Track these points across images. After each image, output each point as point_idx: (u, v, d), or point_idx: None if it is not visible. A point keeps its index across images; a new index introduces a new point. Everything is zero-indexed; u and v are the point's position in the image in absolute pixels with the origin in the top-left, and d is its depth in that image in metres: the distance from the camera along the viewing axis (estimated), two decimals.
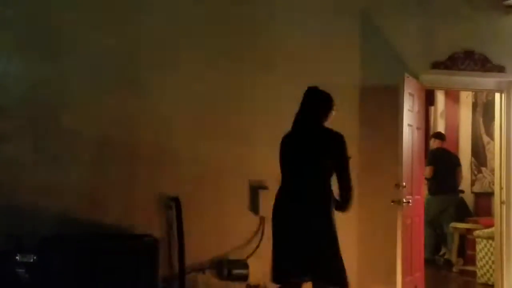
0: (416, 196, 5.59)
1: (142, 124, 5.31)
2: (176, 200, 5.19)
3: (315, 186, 3.82)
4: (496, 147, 6.17)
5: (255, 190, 5.43)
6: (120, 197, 5.18)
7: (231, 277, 5.27)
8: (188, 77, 5.39)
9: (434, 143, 8.00)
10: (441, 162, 7.78)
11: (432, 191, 7.76)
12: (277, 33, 5.55)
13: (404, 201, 5.17)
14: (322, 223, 3.78)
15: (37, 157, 5.10)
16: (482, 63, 5.85)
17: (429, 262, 7.33)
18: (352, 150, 5.48)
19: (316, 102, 3.97)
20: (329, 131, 3.94)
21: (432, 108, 8.98)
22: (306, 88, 5.52)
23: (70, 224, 4.94)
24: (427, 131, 8.15)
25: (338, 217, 5.28)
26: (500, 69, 5.90)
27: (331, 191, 3.89)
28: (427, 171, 7.62)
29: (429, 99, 8.23)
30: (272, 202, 5.33)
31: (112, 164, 5.24)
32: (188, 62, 5.40)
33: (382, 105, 5.54)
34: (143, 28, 5.34)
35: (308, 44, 5.57)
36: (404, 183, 5.18)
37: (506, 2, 5.78)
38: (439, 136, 8.09)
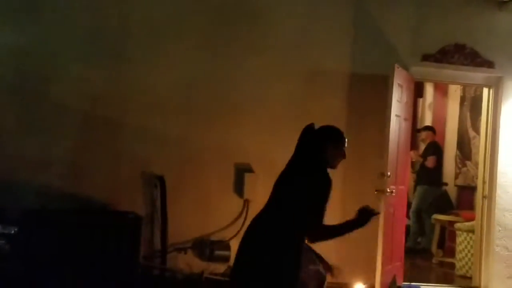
0: (400, 186, 5.63)
1: (130, 102, 5.30)
2: (161, 179, 5.20)
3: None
4: (482, 141, 6.22)
5: (241, 172, 5.44)
6: (105, 173, 5.18)
7: (213, 258, 5.30)
8: (177, 58, 5.38)
9: (427, 136, 8.06)
10: (440, 154, 7.88)
11: (433, 181, 7.83)
12: (268, 18, 5.54)
13: (388, 190, 5.20)
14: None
15: (22, 130, 5.07)
16: (472, 58, 5.87)
17: (411, 251, 7.43)
18: None
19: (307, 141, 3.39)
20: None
21: (421, 100, 9.02)
22: (295, 75, 5.57)
23: (54, 198, 4.94)
24: (414, 123, 8.21)
25: None
26: (490, 64, 5.92)
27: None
28: (430, 161, 7.71)
29: (418, 91, 8.27)
30: (257, 185, 5.39)
31: (98, 140, 5.23)
32: (178, 43, 5.38)
33: (370, 94, 5.55)
34: (135, 7, 5.32)
35: (300, 30, 5.56)
36: (389, 173, 5.21)
37: None
38: (432, 129, 8.16)
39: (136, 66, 5.30)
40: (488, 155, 6.05)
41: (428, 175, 7.83)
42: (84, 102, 5.22)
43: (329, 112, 5.58)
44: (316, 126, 3.42)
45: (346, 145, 3.39)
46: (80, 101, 5.21)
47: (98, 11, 5.23)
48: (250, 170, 5.42)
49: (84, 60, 5.20)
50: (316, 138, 3.36)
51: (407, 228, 7.25)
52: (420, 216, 7.92)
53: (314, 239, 3.26)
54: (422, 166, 7.90)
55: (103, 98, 5.24)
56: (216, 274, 5.20)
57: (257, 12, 5.53)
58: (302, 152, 3.38)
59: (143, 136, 5.29)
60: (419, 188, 7.96)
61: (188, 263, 5.27)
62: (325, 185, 3.23)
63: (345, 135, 3.42)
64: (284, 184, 3.38)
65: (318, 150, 3.32)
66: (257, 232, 3.28)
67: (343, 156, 3.38)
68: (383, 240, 5.17)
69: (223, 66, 5.44)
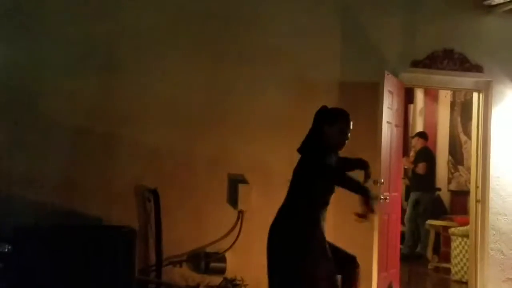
0: (393, 193, 5.64)
1: (122, 115, 5.28)
2: (154, 192, 5.18)
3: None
4: (473, 146, 6.25)
5: (235, 183, 5.43)
6: (98, 188, 5.15)
7: (208, 271, 5.27)
8: (168, 69, 5.37)
9: (418, 142, 8.09)
10: (431, 160, 7.91)
11: (425, 187, 7.85)
12: (259, 28, 5.55)
13: (382, 197, 5.21)
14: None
15: (13, 145, 5.04)
16: (461, 63, 5.91)
17: (407, 258, 7.44)
18: None
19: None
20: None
21: (411, 106, 9.07)
22: (286, 83, 5.58)
23: (47, 214, 4.91)
24: (406, 129, 8.25)
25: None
26: (479, 69, 5.96)
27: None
28: (421, 167, 7.74)
29: (408, 97, 8.32)
30: (251, 196, 5.37)
31: (90, 155, 5.20)
32: (169, 54, 5.38)
33: (361, 101, 5.55)
34: (125, 18, 5.31)
35: (290, 38, 5.57)
36: (382, 180, 5.22)
37: (486, 2, 5.82)
38: (423, 135, 8.20)
39: (127, 78, 5.30)
40: (480, 160, 6.07)
41: (420, 181, 7.86)
42: (76, 116, 5.20)
43: None
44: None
45: (347, 125, 3.54)
46: (71, 115, 5.19)
47: (88, 23, 5.23)
48: (243, 181, 5.40)
49: (74, 73, 5.18)
50: (316, 119, 3.59)
51: (402, 234, 7.27)
52: (415, 222, 7.93)
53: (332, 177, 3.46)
54: (414, 172, 7.93)
55: (94, 112, 5.22)
56: (212, 287, 5.18)
57: (248, 22, 5.55)
58: (307, 135, 3.61)
59: (136, 149, 5.27)
60: (412, 194, 7.98)
61: (184, 276, 5.24)
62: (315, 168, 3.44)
63: (346, 115, 3.56)
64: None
65: (316, 131, 3.55)
66: (280, 210, 3.69)
67: (341, 136, 3.52)
68: (379, 247, 5.17)
69: (215, 77, 5.45)
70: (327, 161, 3.48)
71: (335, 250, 3.62)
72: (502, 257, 5.93)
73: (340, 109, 3.68)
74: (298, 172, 3.58)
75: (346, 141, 3.58)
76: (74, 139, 5.21)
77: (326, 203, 3.62)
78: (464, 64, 5.92)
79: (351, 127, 3.61)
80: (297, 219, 3.55)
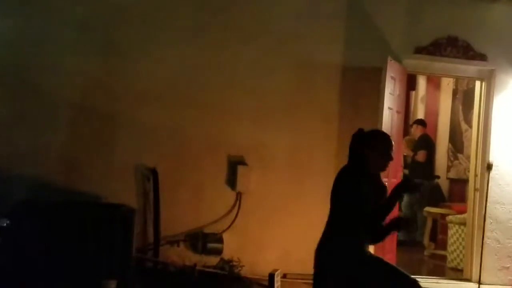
0: (392, 179, 5.63)
1: (122, 94, 5.28)
2: (153, 171, 5.18)
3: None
4: (473, 134, 6.24)
5: (234, 165, 5.44)
6: (97, 166, 5.16)
7: (206, 251, 5.30)
8: (169, 49, 5.35)
9: (417, 129, 8.07)
10: (431, 148, 7.90)
11: (424, 175, 7.85)
12: (261, 11, 5.52)
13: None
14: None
15: (13, 122, 5.04)
16: (465, 51, 5.87)
17: (404, 244, 7.46)
18: (331, 129, 5.57)
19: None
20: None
21: (413, 92, 9.04)
22: (288, 67, 5.56)
23: (46, 190, 4.92)
24: (407, 115, 8.23)
25: (312, 198, 5.35)
26: (482, 57, 5.93)
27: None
28: (421, 155, 7.73)
29: (410, 84, 8.28)
30: (250, 178, 5.38)
31: (90, 132, 5.21)
32: (170, 34, 5.37)
33: (363, 86, 5.55)
34: None
35: (294, 22, 5.55)
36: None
37: None
38: (422, 122, 8.17)
39: (128, 58, 5.28)
40: (480, 148, 6.06)
41: (419, 169, 7.86)
42: (76, 94, 5.20)
43: (322, 104, 5.59)
44: (366, 130, 3.48)
45: (390, 148, 3.39)
46: (72, 93, 5.19)
47: (89, 2, 5.19)
48: (243, 162, 5.41)
49: (75, 52, 5.18)
50: (358, 144, 3.42)
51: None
52: (412, 209, 7.94)
53: (369, 232, 3.38)
54: (414, 160, 7.92)
55: (95, 90, 5.21)
56: (209, 267, 5.20)
57: (251, 4, 5.51)
58: (348, 158, 3.46)
59: (136, 128, 5.27)
60: None
61: (181, 255, 5.26)
62: (352, 188, 3.32)
63: (388, 138, 3.44)
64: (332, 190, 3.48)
65: (359, 156, 3.40)
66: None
67: (385, 159, 3.41)
68: None
69: (217, 58, 5.43)
70: (363, 189, 3.33)
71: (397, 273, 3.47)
72: (498, 245, 5.95)
73: (380, 132, 3.64)
74: (336, 194, 3.45)
75: (389, 163, 3.47)
76: (74, 117, 5.21)
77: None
78: (468, 52, 5.88)
79: (393, 149, 3.47)
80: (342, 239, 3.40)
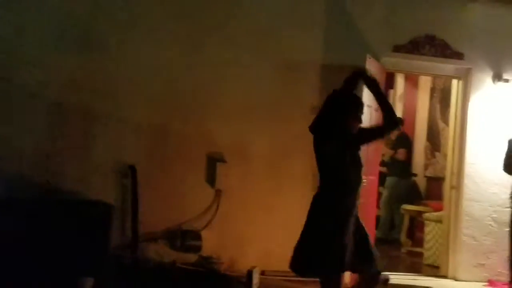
0: (370, 177, 5.67)
1: (101, 90, 5.23)
2: (132, 168, 5.15)
3: None
4: (450, 133, 6.32)
5: (213, 162, 5.43)
6: (76, 162, 5.12)
7: (184, 248, 5.29)
8: (149, 46, 5.32)
9: None
10: (409, 146, 7.98)
11: (402, 173, 7.91)
12: (242, 8, 5.52)
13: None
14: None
15: None
16: (442, 49, 5.93)
17: (382, 241, 7.53)
18: None
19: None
20: None
21: (392, 91, 9.11)
22: (268, 64, 5.56)
23: (23, 187, 4.85)
24: None
25: (291, 196, 5.39)
26: (459, 56, 6.00)
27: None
28: (401, 153, 7.79)
29: (389, 82, 8.35)
30: (230, 175, 5.38)
31: (68, 129, 5.15)
32: (151, 31, 5.33)
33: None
34: None
35: (273, 21, 5.55)
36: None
37: None
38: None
39: (108, 53, 5.24)
40: (456, 146, 6.14)
41: (398, 167, 7.93)
42: (54, 90, 5.14)
43: (301, 102, 5.60)
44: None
45: (359, 111, 3.78)
46: (49, 89, 5.13)
47: None
48: (222, 159, 5.41)
49: (55, 46, 5.13)
50: (328, 105, 3.83)
51: (377, 218, 7.35)
52: (390, 207, 8.02)
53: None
54: (392, 158, 7.99)
55: (73, 86, 5.15)
56: (187, 264, 5.19)
57: (229, 3, 5.51)
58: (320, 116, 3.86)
59: (115, 125, 5.23)
60: (389, 179, 8.05)
61: (159, 252, 5.24)
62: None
63: (359, 102, 3.82)
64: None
65: (329, 117, 3.78)
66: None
67: (355, 121, 3.76)
68: None
69: (195, 54, 5.41)
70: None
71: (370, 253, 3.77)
72: (474, 243, 6.03)
73: (352, 96, 3.89)
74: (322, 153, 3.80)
75: (360, 124, 3.79)
76: (52, 113, 5.15)
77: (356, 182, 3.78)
78: (445, 51, 5.94)
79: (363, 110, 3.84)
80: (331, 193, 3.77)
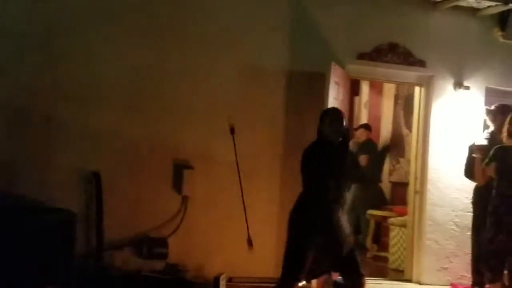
0: None
1: (63, 96, 5.15)
2: (96, 175, 5.09)
3: None
4: (414, 139, 6.42)
5: (180, 169, 5.40)
6: (38, 169, 5.02)
7: (151, 255, 5.24)
8: (111, 51, 5.27)
9: (362, 134, 8.23)
10: (374, 152, 8.06)
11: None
12: (206, 13, 5.53)
13: None
14: None
15: None
16: (405, 57, 6.04)
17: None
18: (276, 133, 5.63)
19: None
20: None
21: (357, 98, 9.23)
22: (234, 71, 5.58)
23: None
24: (351, 120, 8.39)
25: (259, 201, 5.42)
26: (422, 63, 6.12)
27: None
28: (363, 159, 7.87)
29: (354, 89, 8.46)
30: (196, 182, 5.37)
31: (30, 135, 5.05)
32: (112, 36, 5.27)
33: (308, 90, 5.63)
34: None
35: (238, 26, 5.57)
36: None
37: None
38: (367, 127, 8.34)
39: (70, 58, 5.17)
40: (419, 152, 6.25)
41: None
42: (15, 96, 5.04)
43: (267, 108, 5.64)
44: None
45: (333, 119, 4.14)
46: (11, 95, 5.03)
47: (29, 2, 5.06)
48: (189, 166, 5.38)
49: (15, 53, 5.03)
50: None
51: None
52: (356, 212, 8.09)
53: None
54: None
55: (34, 92, 5.07)
56: (154, 272, 5.14)
57: (195, 7, 5.50)
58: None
59: (78, 131, 5.16)
60: (353, 185, 8.13)
61: (125, 260, 5.19)
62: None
63: (331, 111, 4.29)
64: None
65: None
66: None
67: (331, 128, 4.12)
68: None
69: (160, 60, 5.38)
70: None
71: (353, 261, 4.05)
72: (437, 247, 6.14)
73: (330, 108, 4.54)
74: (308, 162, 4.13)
75: (338, 132, 4.11)
76: (13, 119, 5.05)
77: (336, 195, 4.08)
78: (408, 58, 6.06)
79: (343, 120, 4.17)
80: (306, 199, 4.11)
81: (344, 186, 4.20)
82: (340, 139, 4.11)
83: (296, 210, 4.09)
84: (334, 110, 4.37)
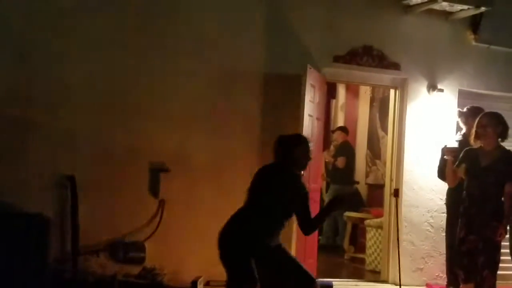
0: (313, 184, 5.76)
1: (36, 99, 5.09)
2: (71, 179, 5.03)
3: None
4: (389, 141, 6.49)
5: (156, 172, 5.37)
6: (11, 173, 4.93)
7: (127, 260, 5.20)
8: (87, 53, 5.22)
9: (339, 136, 8.29)
10: (351, 154, 8.12)
11: (344, 181, 8.04)
12: (182, 16, 5.52)
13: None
14: None
15: None
16: (380, 60, 6.10)
17: (325, 248, 7.64)
18: (253, 135, 5.64)
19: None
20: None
21: (334, 101, 9.30)
22: (210, 73, 5.58)
23: None
24: (327, 123, 8.45)
25: (236, 203, 5.41)
26: (396, 66, 6.18)
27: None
28: (340, 161, 7.93)
29: (331, 92, 8.52)
30: (173, 185, 5.34)
31: (2, 139, 4.97)
32: (89, 40, 5.24)
33: (284, 93, 5.65)
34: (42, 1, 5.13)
35: (214, 29, 5.58)
36: (302, 172, 5.31)
37: (404, 2, 6.05)
38: (344, 129, 8.41)
39: (43, 61, 5.11)
40: (395, 154, 6.31)
41: (339, 175, 8.08)
42: None
43: (244, 111, 5.65)
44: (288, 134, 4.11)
45: (309, 149, 3.97)
46: None
47: (1, 5, 5.00)
48: (165, 169, 5.36)
49: None
50: (285, 144, 3.94)
51: (321, 225, 7.45)
52: (334, 214, 8.13)
53: (307, 231, 3.99)
54: (334, 166, 8.14)
55: (7, 96, 5.00)
56: (130, 276, 5.11)
57: (171, 10, 5.49)
58: (275, 157, 3.97)
59: (52, 134, 5.10)
60: (332, 187, 8.19)
61: (101, 265, 5.13)
62: (294, 181, 3.88)
63: (307, 141, 4.02)
64: (261, 184, 3.92)
65: (287, 155, 3.91)
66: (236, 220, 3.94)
67: (307, 156, 3.96)
68: (297, 237, 5.27)
69: (135, 62, 5.35)
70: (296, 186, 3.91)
71: (297, 267, 3.89)
72: (413, 247, 6.20)
73: (300, 135, 4.27)
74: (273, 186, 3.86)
75: (308, 163, 4.00)
76: None
77: (282, 224, 3.92)
78: (382, 61, 6.12)
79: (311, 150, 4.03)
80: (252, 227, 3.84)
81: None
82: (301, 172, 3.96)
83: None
84: (308, 140, 4.06)
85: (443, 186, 5.64)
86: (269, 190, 3.84)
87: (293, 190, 3.85)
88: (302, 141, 3.98)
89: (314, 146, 5.70)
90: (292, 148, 3.91)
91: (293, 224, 5.21)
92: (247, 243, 3.78)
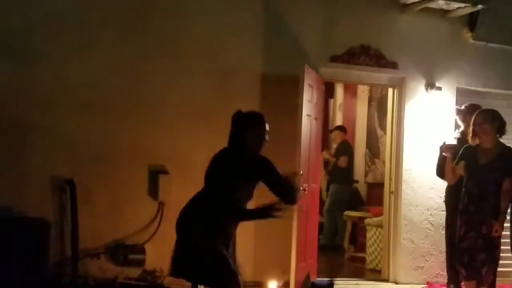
0: (312, 184, 5.77)
1: (36, 102, 5.09)
2: (70, 183, 5.03)
3: None
4: (387, 140, 6.49)
5: (155, 174, 5.37)
6: (10, 177, 4.94)
7: (127, 262, 5.20)
8: (85, 55, 5.22)
9: (337, 135, 8.30)
10: (350, 153, 8.13)
11: (344, 180, 8.05)
12: (180, 16, 5.52)
13: (301, 189, 5.31)
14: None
15: None
16: (377, 59, 6.11)
17: (325, 248, 7.64)
18: None
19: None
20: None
21: (332, 100, 9.30)
22: (207, 74, 5.58)
23: None
24: (326, 122, 8.46)
25: None
26: (394, 65, 6.19)
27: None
28: (343, 160, 7.93)
29: (328, 92, 8.53)
30: (172, 187, 5.34)
31: (2, 143, 4.96)
32: (86, 40, 5.24)
33: (282, 93, 5.65)
34: (41, 5, 5.12)
35: (211, 29, 5.58)
36: (301, 171, 5.33)
37: (401, 1, 6.06)
38: (342, 128, 8.41)
39: (43, 64, 5.11)
40: (394, 153, 6.31)
41: (340, 174, 8.08)
42: None
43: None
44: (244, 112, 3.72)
45: (265, 128, 3.64)
46: None
47: (2, 9, 5.00)
48: (164, 171, 5.36)
49: None
50: (236, 126, 3.66)
51: (321, 225, 7.46)
52: (333, 214, 8.15)
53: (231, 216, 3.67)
54: (335, 165, 8.14)
55: (6, 98, 5.00)
56: (131, 279, 5.11)
57: (169, 11, 5.49)
58: (229, 139, 3.71)
59: (51, 137, 5.10)
60: (332, 186, 8.20)
61: (102, 268, 5.13)
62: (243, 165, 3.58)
63: (263, 119, 3.66)
64: (214, 169, 3.75)
65: (238, 137, 3.63)
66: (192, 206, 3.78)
67: (262, 139, 3.63)
68: (297, 237, 5.27)
69: (134, 64, 5.35)
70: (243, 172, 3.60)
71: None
72: (413, 246, 6.21)
73: (256, 113, 3.78)
74: (224, 168, 3.68)
75: (265, 144, 3.67)
76: None
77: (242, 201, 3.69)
78: (380, 61, 6.12)
79: (268, 128, 3.68)
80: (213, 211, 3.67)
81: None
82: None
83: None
84: (264, 118, 3.68)
85: (442, 184, 5.65)
86: (218, 182, 3.66)
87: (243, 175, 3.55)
88: (256, 123, 3.64)
89: (312, 145, 5.77)
90: (242, 132, 3.61)
91: (293, 224, 5.24)
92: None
